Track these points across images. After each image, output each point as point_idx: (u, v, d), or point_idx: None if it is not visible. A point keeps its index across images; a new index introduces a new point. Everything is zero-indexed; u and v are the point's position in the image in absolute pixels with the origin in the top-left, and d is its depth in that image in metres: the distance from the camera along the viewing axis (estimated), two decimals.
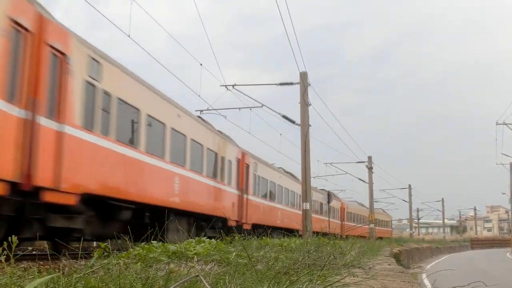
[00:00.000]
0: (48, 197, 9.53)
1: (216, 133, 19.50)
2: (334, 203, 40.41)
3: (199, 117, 18.92)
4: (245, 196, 22.34)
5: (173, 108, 15.34)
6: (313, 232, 29.29)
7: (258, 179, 24.73)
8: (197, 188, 16.98)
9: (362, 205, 54.78)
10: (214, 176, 18.66)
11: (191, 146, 16.41)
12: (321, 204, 39.15)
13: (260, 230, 17.92)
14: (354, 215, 50.28)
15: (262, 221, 24.03)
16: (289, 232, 20.61)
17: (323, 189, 41.36)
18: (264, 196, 25.95)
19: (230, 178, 20.58)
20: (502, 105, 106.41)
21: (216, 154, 19.02)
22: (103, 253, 5.14)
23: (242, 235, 9.68)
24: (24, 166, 8.90)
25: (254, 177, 24.11)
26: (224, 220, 18.80)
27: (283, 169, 31.46)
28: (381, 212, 64.19)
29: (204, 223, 17.20)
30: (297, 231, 29.29)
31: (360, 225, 43.29)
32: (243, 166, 22.36)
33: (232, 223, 19.81)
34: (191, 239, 6.74)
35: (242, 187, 22.08)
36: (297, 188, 32.06)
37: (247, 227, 21.92)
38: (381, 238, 39.32)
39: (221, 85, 21.24)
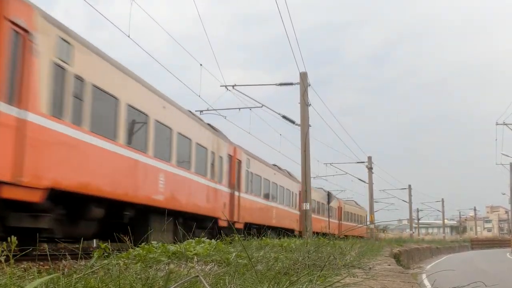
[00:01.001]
0: None
1: None
2: (292, 186, 31.27)
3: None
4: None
5: None
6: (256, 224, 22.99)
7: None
8: None
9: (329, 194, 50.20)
10: None
11: None
12: (292, 193, 31.40)
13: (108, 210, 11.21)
14: (318, 204, 40.11)
15: (110, 192, 11.54)
16: (195, 219, 13.35)
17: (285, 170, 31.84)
18: (129, 144, 12.38)
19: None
20: (502, 105, 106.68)
21: None
22: (103, 253, 5.15)
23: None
24: None
25: (127, 111, 12.24)
26: None
27: (192, 112, 18.50)
28: (353, 204, 53.67)
29: None
30: (214, 219, 17.54)
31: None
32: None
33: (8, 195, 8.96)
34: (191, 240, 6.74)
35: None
36: (221, 149, 19.22)
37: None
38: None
39: (221, 85, 21.12)
